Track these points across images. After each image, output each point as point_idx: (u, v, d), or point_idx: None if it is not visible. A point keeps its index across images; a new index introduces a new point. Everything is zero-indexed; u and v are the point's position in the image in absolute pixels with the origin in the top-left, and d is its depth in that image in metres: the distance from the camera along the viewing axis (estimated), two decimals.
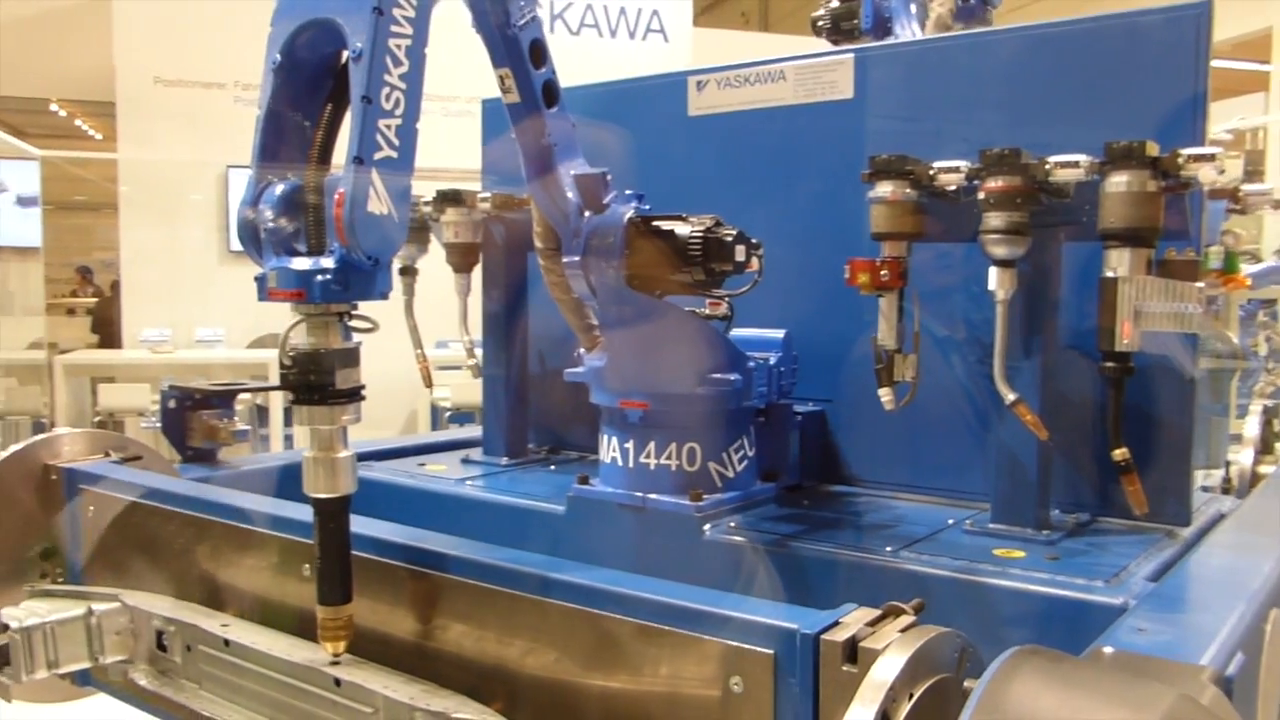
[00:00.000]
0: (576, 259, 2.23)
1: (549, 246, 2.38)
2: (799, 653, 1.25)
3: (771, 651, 1.27)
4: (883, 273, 2.08)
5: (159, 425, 2.73)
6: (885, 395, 2.17)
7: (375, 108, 1.44)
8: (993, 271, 2.06)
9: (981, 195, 2.03)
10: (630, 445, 2.35)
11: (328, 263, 1.50)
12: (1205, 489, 2.71)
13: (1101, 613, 1.73)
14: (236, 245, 8.29)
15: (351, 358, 1.59)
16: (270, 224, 1.53)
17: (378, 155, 1.47)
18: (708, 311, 2.38)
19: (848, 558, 2.05)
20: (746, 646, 1.28)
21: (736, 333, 2.46)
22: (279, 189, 1.52)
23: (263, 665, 1.69)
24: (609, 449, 2.40)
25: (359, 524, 1.68)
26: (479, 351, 2.96)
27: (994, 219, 2.02)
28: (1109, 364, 1.98)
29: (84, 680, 2.18)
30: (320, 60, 1.56)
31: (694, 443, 2.30)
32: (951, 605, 1.91)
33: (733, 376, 2.24)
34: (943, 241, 2.21)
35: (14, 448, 2.28)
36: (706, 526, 2.22)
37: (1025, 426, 2.06)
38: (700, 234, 2.11)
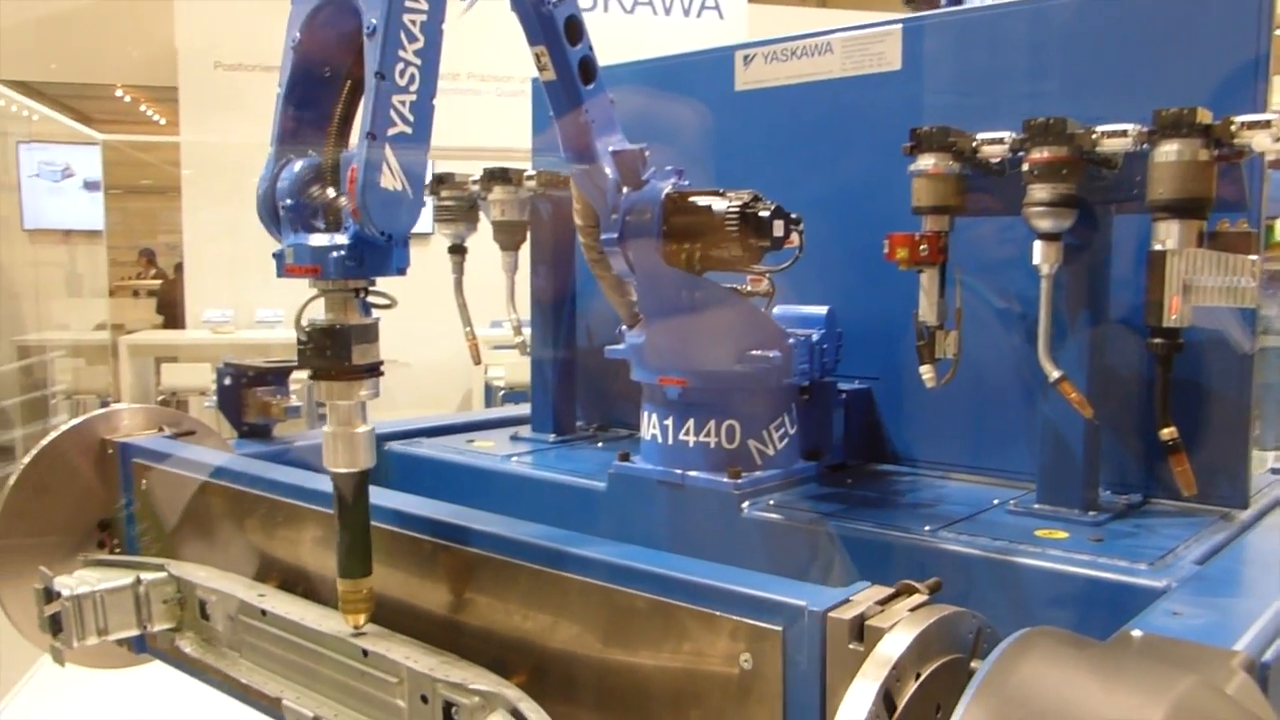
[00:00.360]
0: (614, 236, 2.22)
1: (588, 224, 2.38)
2: (806, 630, 1.23)
3: (780, 628, 1.25)
4: (921, 248, 2.04)
5: (216, 405, 2.80)
6: (926, 372, 2.12)
7: (389, 83, 1.45)
8: (1037, 245, 2.00)
9: (1026, 167, 1.97)
10: (670, 422, 2.34)
11: (342, 239, 1.52)
12: (1276, 471, 2.61)
13: (1142, 596, 1.67)
14: None
15: (369, 333, 1.61)
16: (288, 201, 1.55)
17: (391, 131, 1.47)
18: (749, 288, 2.35)
19: (884, 537, 2.02)
20: (756, 623, 1.28)
21: (779, 309, 2.44)
22: (297, 166, 1.54)
23: (296, 635, 1.73)
24: (649, 426, 2.39)
25: (386, 497, 1.71)
26: (526, 330, 2.98)
27: (1039, 191, 1.96)
28: (1157, 340, 1.92)
29: (140, 647, 2.25)
30: (339, 38, 1.57)
31: (733, 420, 2.28)
32: (989, 587, 1.87)
33: (771, 354, 2.21)
34: (987, 215, 2.16)
35: (73, 422, 2.36)
36: (745, 504, 2.21)
37: (1070, 405, 2.01)
38: (737, 209, 2.09)
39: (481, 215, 2.98)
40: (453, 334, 2.87)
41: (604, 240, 2.26)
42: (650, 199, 2.17)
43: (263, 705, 1.82)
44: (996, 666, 1.08)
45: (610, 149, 2.21)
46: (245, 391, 2.78)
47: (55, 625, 1.94)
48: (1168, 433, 1.95)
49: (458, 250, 2.98)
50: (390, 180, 1.49)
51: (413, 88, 1.47)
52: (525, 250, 2.96)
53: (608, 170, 2.21)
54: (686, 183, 2.21)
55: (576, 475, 2.56)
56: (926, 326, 2.11)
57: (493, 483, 2.69)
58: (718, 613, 1.31)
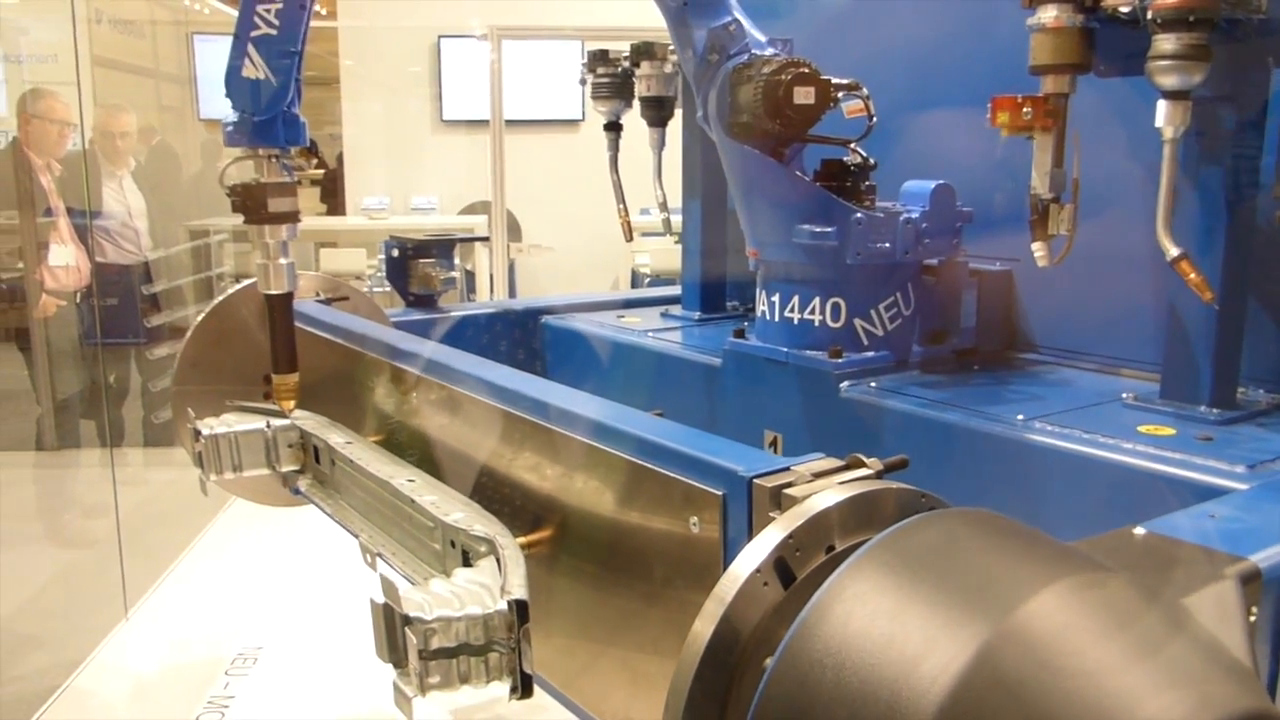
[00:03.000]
0: (700, 113, 2.18)
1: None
2: (740, 496, 1.21)
3: (721, 493, 1.24)
4: (1025, 110, 1.85)
5: (371, 289, 3.04)
6: (1039, 250, 1.95)
7: None
8: (1161, 105, 1.77)
9: (1149, 14, 1.73)
10: (776, 299, 2.29)
11: (233, 116, 2.06)
12: None
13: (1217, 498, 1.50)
14: (450, 115, 8.33)
15: (283, 190, 2.12)
16: (225, 91, 2.02)
17: (255, 33, 1.93)
18: (847, 160, 2.23)
19: (970, 425, 1.91)
20: (702, 487, 1.26)
21: (908, 185, 2.30)
22: None
23: (368, 479, 1.88)
24: (761, 303, 2.36)
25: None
26: (670, 211, 2.98)
27: (1164, 42, 1.73)
28: None
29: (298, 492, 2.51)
30: None
31: (838, 298, 2.21)
32: (1064, 480, 1.74)
33: (826, 229, 2.11)
34: (1115, 76, 1.92)
35: (244, 283, 2.62)
36: (844, 384, 2.14)
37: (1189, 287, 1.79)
38: (764, 77, 1.98)
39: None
40: (599, 220, 2.93)
41: (697, 117, 2.22)
42: (723, 73, 2.11)
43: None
44: (895, 533, 1.03)
45: (709, 26, 2.15)
46: (410, 263, 2.97)
47: (200, 460, 2.21)
48: None
49: (613, 127, 3.00)
50: (251, 70, 1.94)
51: None
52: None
53: (700, 45, 2.16)
54: (774, 52, 2.12)
55: (701, 352, 2.57)
56: (1040, 199, 1.93)
57: (627, 355, 2.75)
58: (671, 474, 1.31)
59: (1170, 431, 1.78)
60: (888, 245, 2.13)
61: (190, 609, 3.85)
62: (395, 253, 2.97)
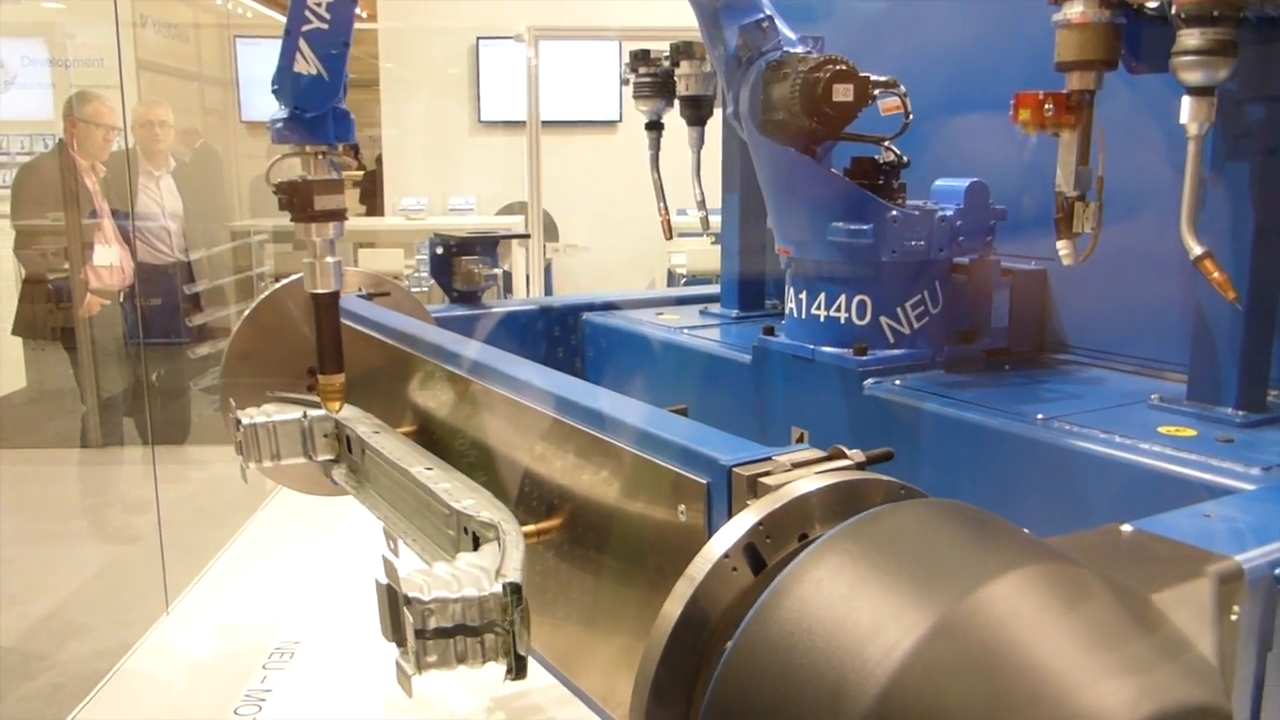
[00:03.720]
0: (730, 110, 2.19)
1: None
2: (723, 485, 1.23)
3: (706, 482, 1.26)
4: (1047, 107, 1.84)
5: (409, 289, 3.10)
6: (1064, 248, 1.93)
7: None
8: (1185, 101, 1.74)
9: (1174, 9, 1.71)
10: (804, 296, 2.30)
11: (282, 113, 1.97)
12: None
13: None
14: (488, 116, 8.32)
15: (330, 187, 2.03)
16: (274, 86, 1.95)
17: (306, 28, 1.86)
18: (879, 159, 2.23)
19: (990, 424, 1.89)
20: (689, 475, 1.29)
21: (939, 183, 2.29)
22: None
23: (391, 469, 1.93)
24: (789, 300, 2.37)
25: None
26: (709, 210, 3.00)
27: (1188, 38, 1.71)
28: None
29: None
30: None
31: (864, 295, 2.21)
32: (1081, 480, 1.72)
33: (862, 226, 2.10)
34: (1149, 72, 1.89)
35: (289, 279, 2.70)
36: (868, 381, 2.14)
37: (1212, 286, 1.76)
38: (801, 74, 1.98)
39: None
40: (637, 220, 2.97)
41: (727, 114, 2.24)
42: (756, 70, 2.12)
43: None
44: (860, 521, 1.04)
45: (740, 24, 2.17)
46: (454, 260, 3.03)
47: (239, 449, 2.29)
48: None
49: (655, 127, 3.03)
50: (304, 65, 1.87)
51: None
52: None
53: (731, 42, 2.17)
54: (805, 50, 2.12)
55: (733, 349, 2.59)
56: (1065, 197, 1.91)
57: (661, 352, 2.78)
58: (662, 463, 1.34)
59: (1191, 433, 1.76)
60: (922, 243, 2.12)
61: (229, 603, 3.95)
62: (440, 250, 3.04)
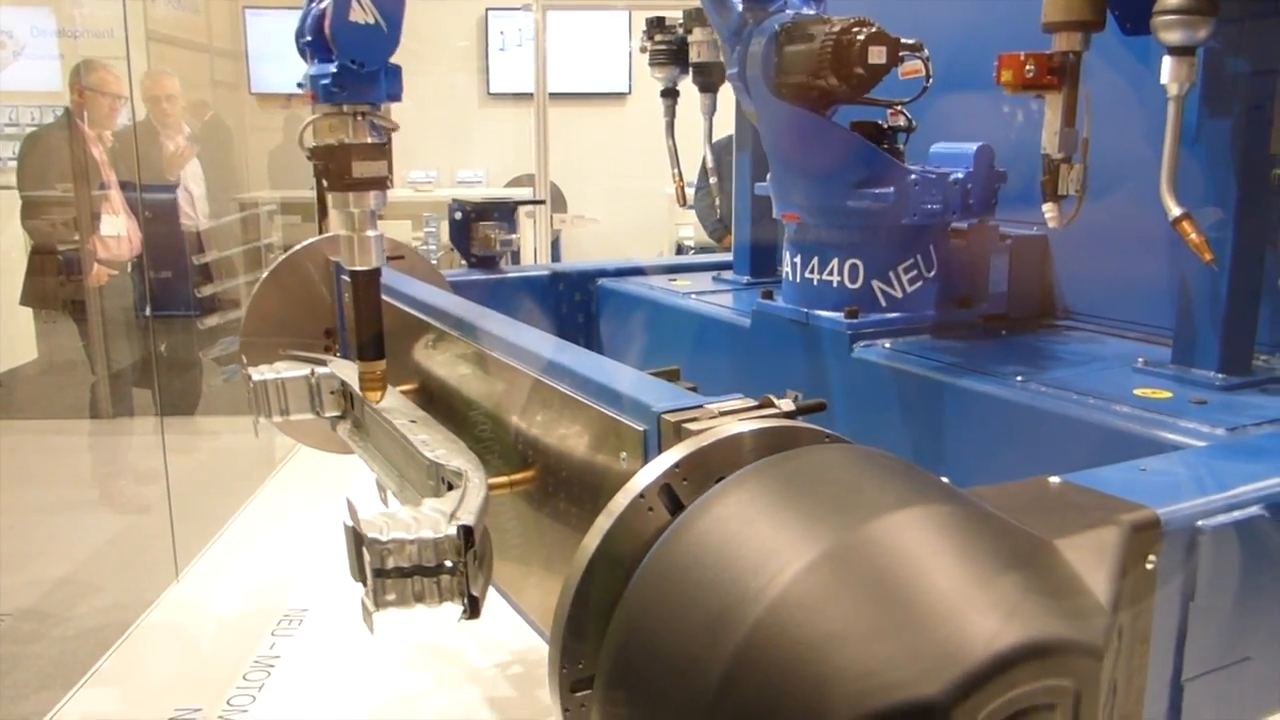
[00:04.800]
0: (735, 71, 2.20)
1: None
2: (654, 431, 1.27)
3: (643, 429, 1.30)
4: (1028, 68, 1.83)
5: None
6: (1049, 210, 1.93)
7: None
8: (1166, 61, 1.73)
9: None
10: (799, 260, 2.32)
11: (330, 68, 1.68)
12: None
13: None
14: (496, 88, 8.24)
15: (372, 152, 1.74)
16: (307, 37, 1.71)
17: None
18: (888, 122, 2.23)
19: (965, 386, 1.90)
20: (628, 423, 1.32)
21: (938, 147, 2.29)
22: (316, 7, 1.70)
23: (383, 422, 2.00)
24: (785, 264, 2.38)
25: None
26: (712, 180, 3.01)
27: None
28: None
29: None
30: None
31: (856, 259, 2.22)
32: (1057, 441, 1.72)
33: (884, 190, 2.10)
34: (1142, 34, 1.87)
35: (306, 242, 2.78)
36: (858, 345, 2.16)
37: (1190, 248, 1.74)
38: (833, 35, 1.99)
39: None
40: (644, 193, 2.99)
41: (729, 75, 2.24)
42: (764, 31, 2.12)
43: None
44: (769, 461, 1.07)
45: None
46: (472, 226, 3.09)
47: (250, 405, 2.37)
48: None
49: (670, 94, 3.05)
50: (360, 14, 1.62)
51: None
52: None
53: (737, 4, 2.18)
54: (813, 12, 2.13)
55: (736, 313, 2.61)
56: (1050, 159, 1.91)
57: (668, 317, 2.81)
58: (607, 411, 1.38)
59: (1166, 395, 1.75)
60: (939, 206, 2.12)
61: (239, 571, 4.02)
62: (458, 215, 3.09)
